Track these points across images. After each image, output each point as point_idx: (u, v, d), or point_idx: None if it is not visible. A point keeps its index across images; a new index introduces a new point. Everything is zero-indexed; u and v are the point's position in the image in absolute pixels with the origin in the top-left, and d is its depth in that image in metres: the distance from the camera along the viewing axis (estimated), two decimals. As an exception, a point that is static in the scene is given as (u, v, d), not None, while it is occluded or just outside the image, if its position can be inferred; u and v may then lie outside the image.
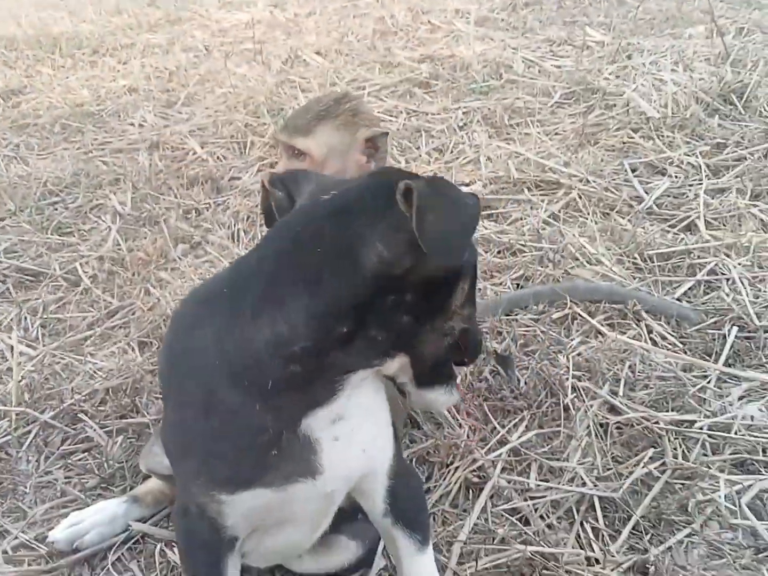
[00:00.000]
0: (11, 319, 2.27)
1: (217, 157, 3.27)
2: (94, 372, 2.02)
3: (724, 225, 2.49)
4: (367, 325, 0.93)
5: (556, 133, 3.25)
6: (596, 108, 3.38)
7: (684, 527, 1.49)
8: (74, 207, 2.90)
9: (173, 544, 1.51)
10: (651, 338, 2.00)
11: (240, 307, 0.95)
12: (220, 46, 4.79)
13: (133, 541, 1.54)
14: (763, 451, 1.64)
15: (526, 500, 1.56)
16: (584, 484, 1.59)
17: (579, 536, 1.49)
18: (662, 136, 3.08)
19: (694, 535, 1.48)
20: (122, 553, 1.51)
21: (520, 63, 4.03)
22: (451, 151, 3.19)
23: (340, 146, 1.56)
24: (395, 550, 1.18)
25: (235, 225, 2.73)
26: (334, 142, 1.55)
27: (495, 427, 1.74)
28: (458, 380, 1.12)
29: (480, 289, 2.26)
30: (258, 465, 0.97)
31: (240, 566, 1.15)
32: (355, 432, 1.02)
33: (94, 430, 1.80)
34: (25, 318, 2.26)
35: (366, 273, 0.91)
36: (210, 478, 0.98)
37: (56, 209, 2.90)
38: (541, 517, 1.53)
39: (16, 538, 1.54)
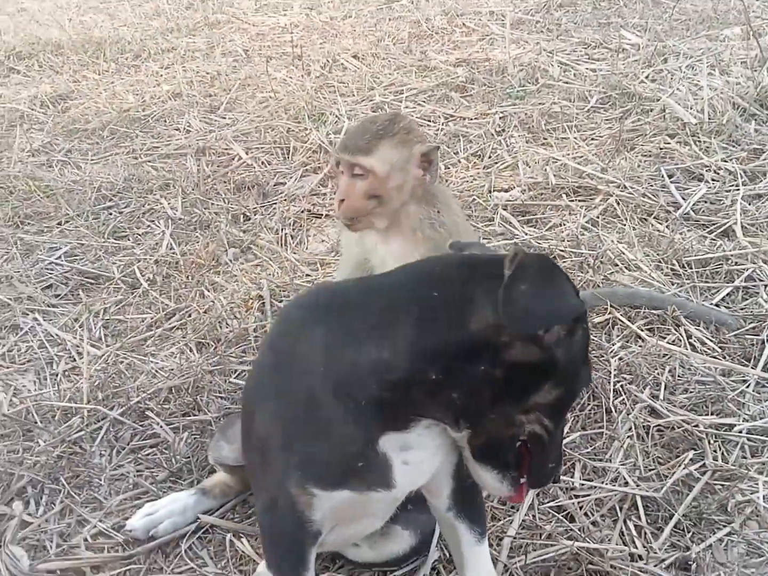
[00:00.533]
0: (75, 320, 2.39)
1: (262, 163, 3.37)
2: (156, 371, 2.14)
3: (761, 231, 2.55)
4: (453, 382, 1.01)
5: (593, 139, 3.31)
6: (632, 113, 3.44)
7: (724, 526, 1.57)
8: (128, 212, 3.02)
9: (241, 534, 1.62)
10: (690, 343, 2.07)
11: (355, 324, 1.04)
12: (259, 50, 4.90)
13: (202, 531, 1.65)
14: (801, 454, 1.71)
15: (571, 498, 1.65)
16: (626, 483, 1.67)
17: (622, 533, 1.57)
18: (699, 141, 3.13)
19: (733, 534, 1.55)
20: (193, 542, 1.63)
21: (555, 67, 4.08)
22: (489, 156, 3.26)
23: (400, 162, 1.66)
24: (456, 542, 1.28)
25: (282, 230, 2.84)
26: (394, 159, 1.65)
27: (540, 428, 1.83)
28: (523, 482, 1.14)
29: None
30: (347, 471, 1.08)
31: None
32: (423, 462, 1.12)
33: (161, 426, 1.91)
34: (88, 319, 2.38)
35: (470, 331, 0.99)
36: (307, 473, 1.08)
37: (111, 214, 3.02)
38: (586, 514, 1.62)
39: (94, 526, 1.66)
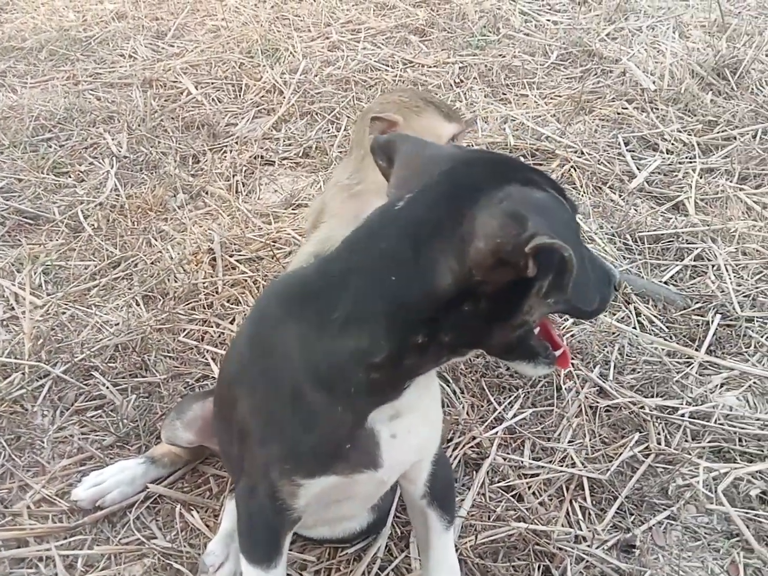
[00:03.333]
0: (13, 264, 2.28)
1: (212, 100, 3.24)
2: (101, 325, 2.06)
3: (711, 208, 2.59)
4: (441, 332, 0.98)
5: (552, 98, 3.28)
6: (593, 73, 3.41)
7: (664, 509, 1.63)
8: (69, 145, 2.87)
9: (191, 506, 1.61)
10: (639, 321, 2.10)
11: (326, 318, 1.00)
12: (209, -28, 4.64)
13: (151, 500, 1.62)
14: (740, 440, 1.77)
15: (520, 477, 1.68)
16: (574, 464, 1.71)
17: (569, 513, 1.62)
18: (656, 108, 3.13)
19: (673, 518, 1.62)
20: (141, 512, 1.60)
21: (517, 16, 4.00)
22: (448, 109, 3.20)
23: None
24: (424, 528, 1.30)
25: (233, 176, 2.74)
26: None
27: (491, 403, 1.85)
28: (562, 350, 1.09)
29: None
30: (335, 456, 1.07)
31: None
32: (410, 432, 1.11)
33: (107, 388, 1.86)
34: (28, 266, 2.27)
35: (441, 290, 0.95)
36: (293, 464, 1.08)
37: (50, 146, 2.86)
38: (534, 494, 1.66)
39: (37, 492, 1.62)
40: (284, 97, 3.23)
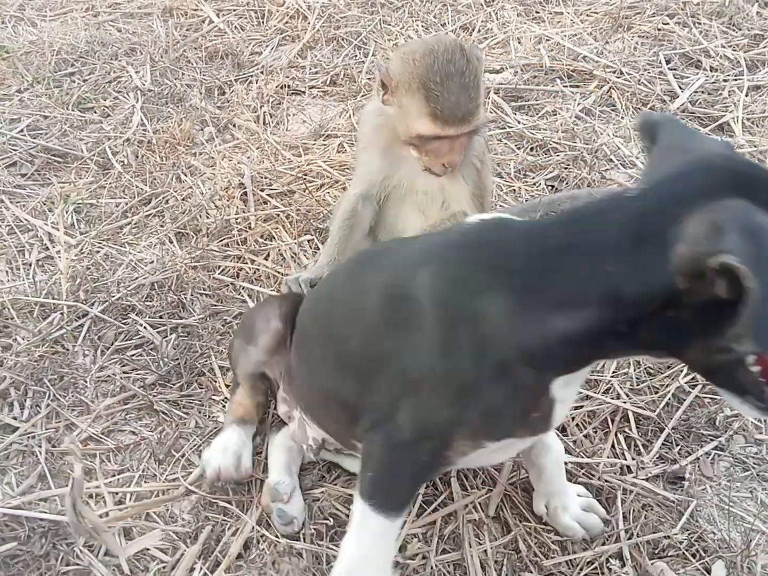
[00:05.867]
0: (44, 203, 2.26)
1: (235, 27, 3.14)
2: (136, 264, 2.05)
3: (759, 127, 2.48)
4: (641, 329, 0.97)
5: (588, 15, 3.13)
6: (631, -14, 3.24)
7: (711, 440, 1.61)
8: (92, 80, 2.80)
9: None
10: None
11: (538, 295, 1.01)
12: None
13: (195, 438, 1.63)
14: (789, 369, 1.73)
15: (564, 409, 1.66)
16: (618, 396, 1.69)
17: (614, 446, 1.60)
18: (699, 23, 2.99)
19: (720, 448, 1.59)
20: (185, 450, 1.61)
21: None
22: (479, 31, 3.08)
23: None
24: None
25: (260, 107, 2.67)
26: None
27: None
28: None
29: (514, 189, 2.27)
30: (521, 422, 1.10)
31: None
32: (572, 395, 1.15)
33: (145, 328, 1.85)
34: (55, 203, 2.25)
35: (650, 289, 0.93)
36: (488, 429, 1.10)
37: (74, 81, 2.80)
38: (578, 426, 1.64)
39: (84, 431, 1.63)
40: (308, 23, 3.12)
